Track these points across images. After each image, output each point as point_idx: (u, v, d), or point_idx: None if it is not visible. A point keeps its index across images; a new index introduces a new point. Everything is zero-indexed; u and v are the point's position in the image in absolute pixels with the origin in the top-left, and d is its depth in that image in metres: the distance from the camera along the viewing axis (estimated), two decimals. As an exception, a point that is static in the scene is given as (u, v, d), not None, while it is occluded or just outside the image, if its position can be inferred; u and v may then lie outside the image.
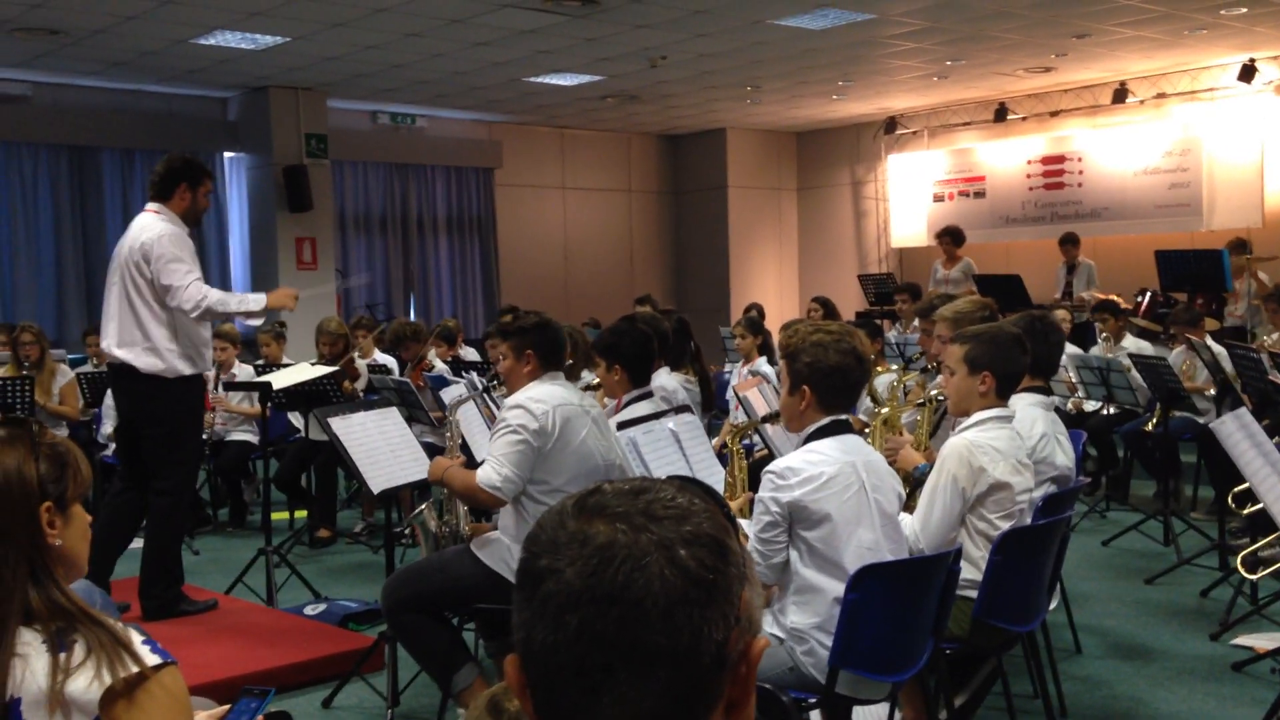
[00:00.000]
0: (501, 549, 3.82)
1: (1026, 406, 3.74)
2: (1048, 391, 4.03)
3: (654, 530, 0.95)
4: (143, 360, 4.97)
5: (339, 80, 11.37)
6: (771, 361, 7.42)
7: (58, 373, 7.86)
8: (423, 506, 4.37)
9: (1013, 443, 3.40)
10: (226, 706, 1.99)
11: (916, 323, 6.40)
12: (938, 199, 14.30)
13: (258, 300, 5.19)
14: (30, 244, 11.11)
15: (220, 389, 7.68)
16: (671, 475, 1.06)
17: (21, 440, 1.74)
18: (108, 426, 7.59)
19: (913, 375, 4.41)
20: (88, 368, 8.50)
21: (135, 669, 1.66)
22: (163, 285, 4.93)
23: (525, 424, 3.68)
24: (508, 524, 3.88)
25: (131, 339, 4.98)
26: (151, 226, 5.00)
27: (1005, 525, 3.35)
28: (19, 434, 1.75)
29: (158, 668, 1.69)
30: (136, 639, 1.72)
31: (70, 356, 9.27)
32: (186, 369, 5.03)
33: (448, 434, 4.43)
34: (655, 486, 1.00)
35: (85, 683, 1.64)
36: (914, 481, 3.62)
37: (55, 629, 1.69)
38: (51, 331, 10.26)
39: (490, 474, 3.67)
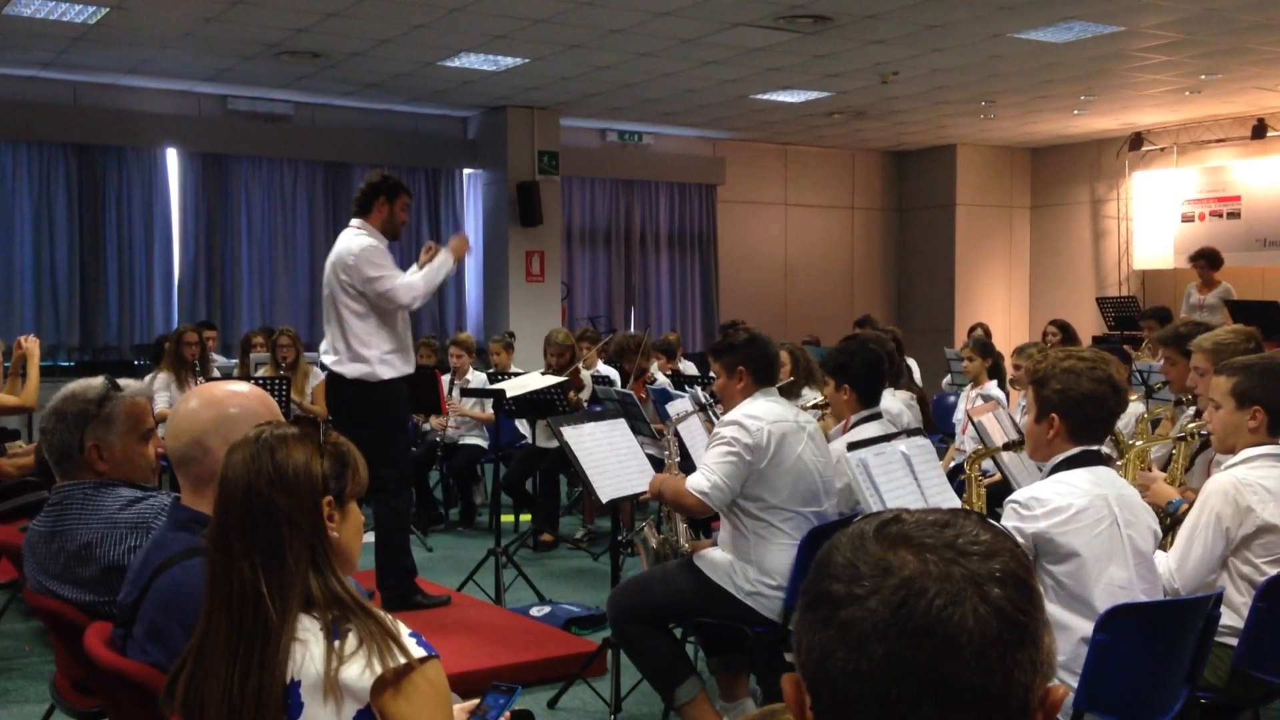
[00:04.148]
0: (725, 564, 3.84)
1: (1298, 444, 3.47)
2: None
3: (964, 565, 0.93)
4: (348, 368, 5.33)
5: (572, 100, 11.72)
6: (1002, 385, 7.16)
7: (310, 374, 8.39)
8: (643, 524, 4.44)
9: (1285, 483, 3.16)
10: (476, 701, 2.07)
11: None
12: (1186, 219, 13.47)
13: (445, 261, 5.48)
14: (289, 253, 11.95)
15: (456, 395, 8.02)
16: (967, 510, 1.03)
17: (310, 438, 1.87)
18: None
19: (1165, 408, 4.16)
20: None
21: (403, 660, 1.75)
22: (378, 295, 5.30)
23: (738, 437, 3.72)
24: (727, 539, 3.90)
25: (338, 347, 5.37)
26: (352, 243, 5.35)
27: (1272, 570, 3.11)
28: (308, 432, 1.88)
29: (423, 660, 1.78)
30: (404, 631, 1.81)
31: (322, 359, 9.87)
32: (387, 373, 5.34)
33: (666, 447, 4.48)
34: (959, 520, 0.98)
35: (358, 671, 1.73)
36: (1169, 519, 3.42)
37: (332, 617, 1.79)
38: (305, 335, 10.94)
39: (700, 480, 3.73)
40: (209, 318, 10.96)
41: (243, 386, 2.47)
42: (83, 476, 2.78)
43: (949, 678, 0.90)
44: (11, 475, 5.18)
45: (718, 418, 5.18)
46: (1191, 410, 4.21)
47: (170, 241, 11.36)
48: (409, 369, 5.51)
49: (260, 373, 8.21)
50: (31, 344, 5.67)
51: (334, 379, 5.45)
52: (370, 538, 5.50)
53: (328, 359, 5.45)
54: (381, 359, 5.34)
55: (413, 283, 5.38)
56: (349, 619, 1.80)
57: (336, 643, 1.76)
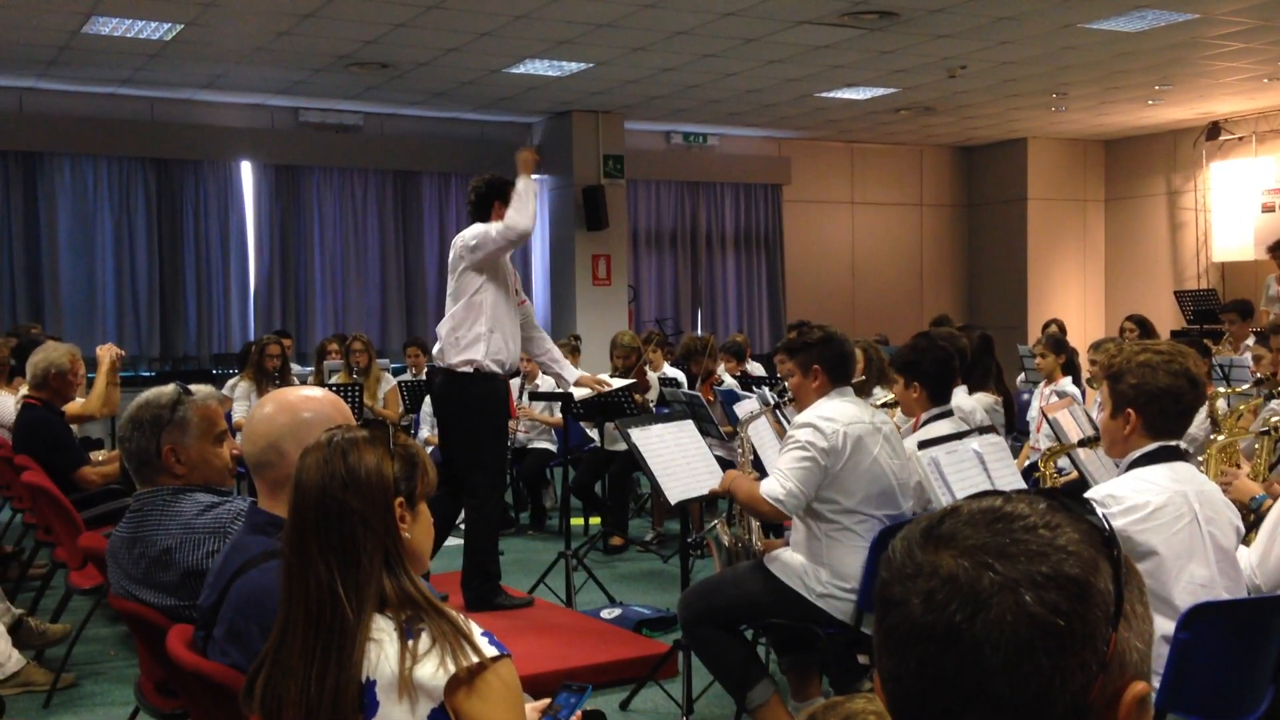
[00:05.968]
0: (797, 566, 3.81)
1: (1388, 438, 3.36)
2: None
3: (999, 570, 0.88)
4: (452, 358, 5.43)
5: (636, 103, 11.75)
6: (1076, 381, 7.03)
7: (382, 380, 8.52)
8: (715, 522, 4.42)
9: (1373, 478, 3.06)
10: (547, 700, 2.08)
11: (1250, 341, 5.87)
12: (1267, 209, 13.10)
13: (524, 184, 5.51)
14: (359, 261, 12.14)
15: (525, 399, 8.08)
16: (1048, 489, 0.98)
17: (381, 441, 1.90)
18: (424, 431, 8.17)
19: (1256, 401, 4.06)
20: (407, 376, 9.16)
21: (476, 659, 1.77)
22: (501, 241, 5.37)
23: (814, 441, 3.67)
24: (800, 540, 3.87)
25: (441, 338, 5.49)
26: (465, 234, 5.52)
27: (1361, 569, 3.01)
28: (379, 435, 1.91)
29: (495, 659, 1.79)
30: (476, 631, 1.83)
31: (392, 365, 10.03)
32: (481, 361, 5.37)
33: (739, 448, 4.47)
34: (1016, 513, 0.91)
35: (432, 670, 1.75)
36: (1253, 515, 3.33)
37: (405, 617, 1.81)
38: (376, 342, 11.13)
39: (774, 486, 3.68)
40: (284, 326, 11.17)
41: (316, 391, 2.52)
42: (161, 481, 2.85)
43: (977, 686, 0.87)
44: (95, 483, 5.32)
45: (786, 418, 5.16)
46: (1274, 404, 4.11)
47: (246, 252, 11.61)
48: (509, 368, 5.54)
49: (334, 379, 8.35)
50: (102, 352, 5.83)
51: (438, 372, 5.55)
52: (454, 541, 5.58)
53: (436, 349, 5.59)
54: (471, 348, 5.39)
55: (506, 224, 5.43)
56: (422, 619, 1.82)
57: (410, 642, 1.78)
